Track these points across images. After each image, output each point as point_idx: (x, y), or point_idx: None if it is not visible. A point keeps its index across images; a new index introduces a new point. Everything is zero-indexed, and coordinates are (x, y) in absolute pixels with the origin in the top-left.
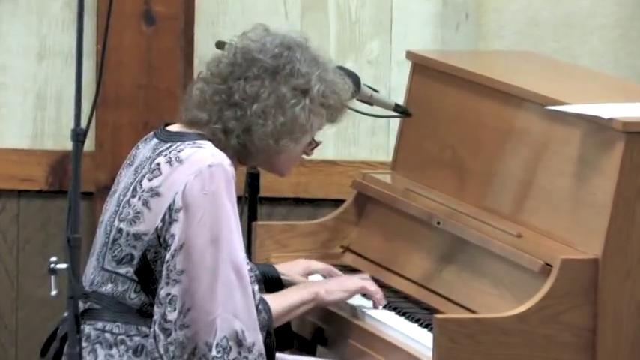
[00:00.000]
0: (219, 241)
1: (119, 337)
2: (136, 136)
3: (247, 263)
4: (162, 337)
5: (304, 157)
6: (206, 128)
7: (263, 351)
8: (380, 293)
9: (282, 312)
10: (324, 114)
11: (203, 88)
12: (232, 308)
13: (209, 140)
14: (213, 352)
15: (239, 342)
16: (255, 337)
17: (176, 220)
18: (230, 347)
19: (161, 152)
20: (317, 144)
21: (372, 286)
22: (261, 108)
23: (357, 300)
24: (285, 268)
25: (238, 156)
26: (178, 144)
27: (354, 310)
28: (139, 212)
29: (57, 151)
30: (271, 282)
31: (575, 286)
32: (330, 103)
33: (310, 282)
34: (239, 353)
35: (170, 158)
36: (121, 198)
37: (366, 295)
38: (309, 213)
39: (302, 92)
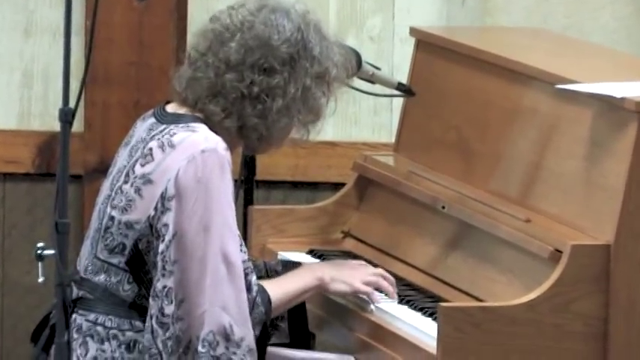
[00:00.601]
0: (210, 231)
1: (111, 332)
2: (127, 115)
3: (244, 253)
4: (160, 332)
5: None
6: (220, 124)
7: (253, 346)
8: (379, 298)
9: (284, 300)
10: (334, 94)
11: (209, 74)
12: (220, 301)
13: (204, 123)
14: (199, 347)
15: (227, 337)
16: (244, 332)
17: (169, 209)
18: (217, 342)
19: (154, 135)
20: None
21: (378, 295)
22: (285, 103)
23: None
24: None
25: (248, 145)
26: (172, 127)
27: (355, 299)
28: (130, 200)
29: (44, 131)
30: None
31: (586, 274)
32: (342, 84)
33: (315, 265)
34: (226, 348)
35: (162, 143)
36: (115, 182)
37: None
38: (308, 197)
39: (321, 79)
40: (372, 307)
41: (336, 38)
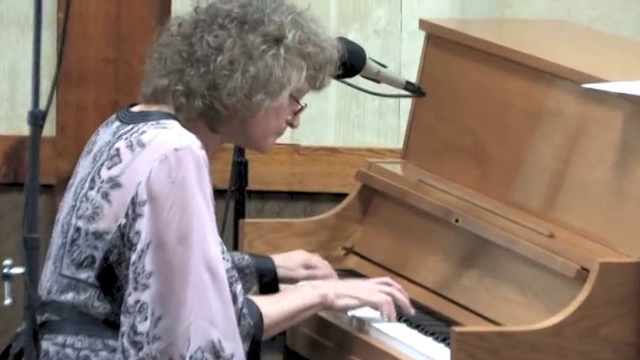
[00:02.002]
0: (190, 237)
1: (82, 353)
2: (104, 118)
3: (227, 261)
4: (132, 352)
5: (290, 128)
6: (167, 95)
7: None
8: (394, 313)
9: (282, 317)
10: (303, 66)
11: (163, 52)
12: (207, 315)
13: (175, 119)
14: None
15: (216, 353)
16: (234, 348)
17: (141, 215)
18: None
19: (121, 135)
20: (302, 108)
21: (389, 305)
22: (227, 59)
23: (363, 310)
24: (282, 260)
25: (208, 123)
26: (141, 125)
27: (357, 322)
28: (98, 207)
29: (11, 136)
30: (266, 276)
31: (616, 295)
32: (309, 51)
33: (318, 282)
34: None
35: (131, 142)
36: (78, 191)
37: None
38: (306, 209)
39: (275, 40)
40: (384, 319)
41: (309, 12)
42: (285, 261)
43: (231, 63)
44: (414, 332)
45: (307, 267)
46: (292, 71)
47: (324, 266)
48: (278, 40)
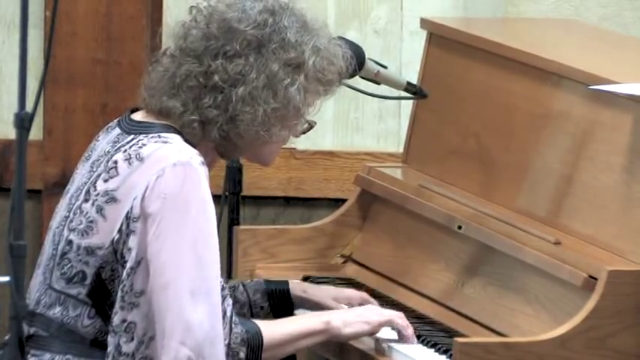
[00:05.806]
0: (181, 257)
1: None
2: (93, 121)
3: (220, 282)
4: None
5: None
6: (180, 120)
7: None
8: (411, 328)
9: (280, 340)
10: (320, 91)
11: (171, 68)
12: (180, 335)
13: (178, 132)
14: None
15: None
16: None
17: (134, 232)
18: None
19: (120, 147)
20: (311, 126)
21: (402, 320)
22: (248, 91)
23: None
24: (312, 288)
25: (219, 149)
26: (141, 137)
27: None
28: (92, 221)
29: None
30: (278, 296)
31: (625, 304)
32: (328, 78)
33: (325, 312)
34: None
35: (129, 155)
36: (73, 201)
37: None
38: (303, 215)
39: (295, 68)
40: (392, 344)
41: (327, 30)
42: (312, 289)
43: (252, 96)
44: (414, 344)
45: (337, 301)
46: (310, 99)
47: (358, 297)
48: (298, 67)
